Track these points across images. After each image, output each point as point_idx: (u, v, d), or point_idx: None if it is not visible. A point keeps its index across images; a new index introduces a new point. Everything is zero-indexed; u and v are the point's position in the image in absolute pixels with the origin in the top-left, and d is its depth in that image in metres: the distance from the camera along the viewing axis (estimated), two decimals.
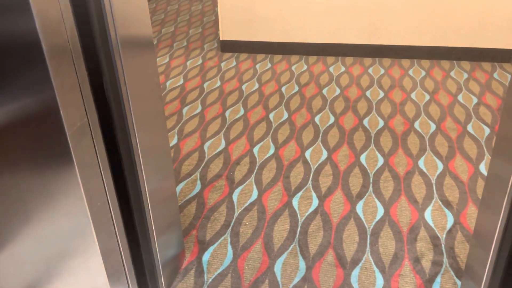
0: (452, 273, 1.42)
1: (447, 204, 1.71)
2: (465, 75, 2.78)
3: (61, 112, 0.83)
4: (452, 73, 2.81)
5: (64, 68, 0.83)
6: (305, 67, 2.97)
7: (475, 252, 1.25)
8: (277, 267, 1.45)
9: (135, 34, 1.06)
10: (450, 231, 1.58)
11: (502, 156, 1.06)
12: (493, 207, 1.11)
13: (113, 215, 1.03)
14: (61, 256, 1.03)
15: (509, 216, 1.06)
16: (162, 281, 1.33)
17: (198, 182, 1.88)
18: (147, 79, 1.13)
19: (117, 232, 1.06)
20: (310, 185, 1.84)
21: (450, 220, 1.63)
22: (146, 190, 1.16)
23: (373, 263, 1.46)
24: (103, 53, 0.97)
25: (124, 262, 1.10)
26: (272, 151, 2.08)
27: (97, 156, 0.96)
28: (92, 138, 0.94)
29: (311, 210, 1.70)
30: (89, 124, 0.93)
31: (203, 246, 1.55)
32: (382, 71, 2.87)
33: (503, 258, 1.12)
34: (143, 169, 1.14)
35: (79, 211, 0.93)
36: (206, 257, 1.50)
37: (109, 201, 1.02)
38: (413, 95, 2.55)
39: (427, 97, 2.53)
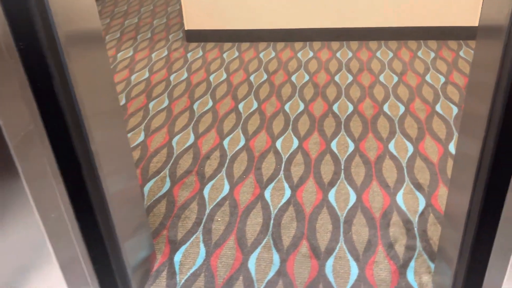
0: (425, 256, 1.42)
1: (418, 186, 1.71)
2: (432, 55, 2.78)
3: (0, 122, 0.77)
4: (419, 53, 2.81)
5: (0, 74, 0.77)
6: (273, 54, 2.93)
7: (446, 233, 1.25)
8: (251, 263, 1.43)
9: (82, 30, 1.00)
10: (422, 214, 1.58)
11: (468, 134, 1.05)
12: (462, 186, 1.10)
13: (70, 225, 0.98)
14: (18, 272, 0.97)
15: (478, 194, 1.05)
16: (132, 286, 1.28)
17: (167, 179, 1.82)
18: (99, 77, 1.07)
19: (76, 242, 1.01)
20: (282, 175, 1.81)
21: (421, 203, 1.63)
22: (108, 194, 1.11)
23: (347, 252, 1.45)
24: (50, 53, 0.91)
25: (87, 272, 1.05)
26: (242, 142, 2.04)
27: (47, 165, 0.90)
28: (41, 147, 0.88)
29: (283, 201, 1.68)
30: (36, 132, 0.87)
31: (174, 246, 1.51)
32: (350, 54, 2.85)
33: (473, 237, 1.12)
34: (103, 172, 1.08)
35: (31, 225, 0.88)
36: (178, 257, 1.46)
37: (65, 210, 0.96)
38: (381, 78, 2.54)
39: (396, 78, 2.53)
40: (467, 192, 1.08)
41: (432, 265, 1.39)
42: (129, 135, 2.13)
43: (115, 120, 1.15)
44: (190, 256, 1.46)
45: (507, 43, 0.86)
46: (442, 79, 2.49)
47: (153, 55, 2.99)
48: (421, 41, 2.98)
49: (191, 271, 1.41)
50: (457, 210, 1.16)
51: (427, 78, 2.51)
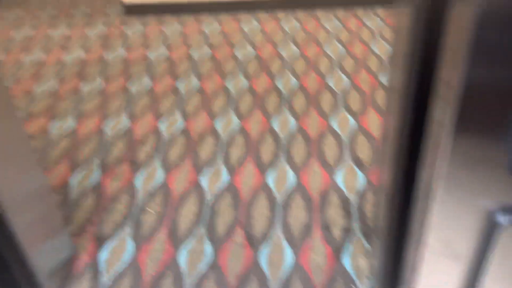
0: (362, 238, 1.38)
1: (359, 163, 1.66)
2: (380, 22, 2.71)
3: None
4: (366, 21, 2.73)
5: None
6: (217, 26, 2.78)
7: (378, 210, 1.20)
8: (182, 257, 1.35)
9: None
10: (361, 193, 1.54)
11: (389, 104, 1.00)
12: (386, 160, 1.05)
13: None
14: None
15: (398, 166, 1.00)
16: None
17: (97, 169, 1.71)
18: None
19: None
20: (221, 159, 1.72)
21: (361, 181, 1.58)
22: (4, 200, 0.99)
23: (283, 238, 1.39)
24: None
25: None
26: (180, 125, 1.93)
27: None
28: None
29: (221, 187, 1.59)
30: None
31: (100, 243, 1.41)
32: (297, 25, 2.74)
33: (396, 211, 1.07)
34: None
35: None
36: (103, 255, 1.37)
37: None
38: (327, 49, 2.45)
39: (342, 49, 2.44)
40: (390, 165, 1.03)
41: (368, 246, 1.35)
42: (58, 123, 1.98)
43: (6, 115, 1.02)
44: (117, 253, 1.37)
45: (417, 9, 0.78)
46: (389, 48, 2.42)
47: (89, 33, 2.79)
48: (369, 8, 2.89)
49: (117, 269, 1.32)
50: (383, 184, 1.11)
51: (373, 47, 2.44)
